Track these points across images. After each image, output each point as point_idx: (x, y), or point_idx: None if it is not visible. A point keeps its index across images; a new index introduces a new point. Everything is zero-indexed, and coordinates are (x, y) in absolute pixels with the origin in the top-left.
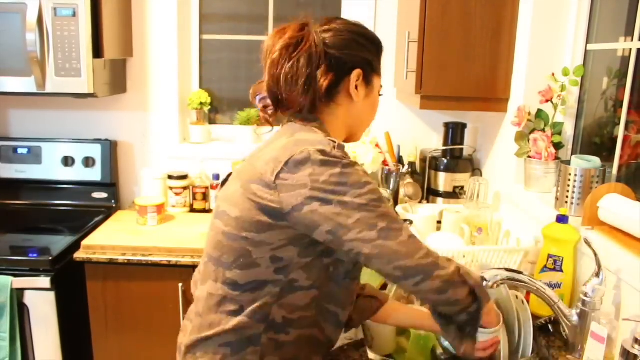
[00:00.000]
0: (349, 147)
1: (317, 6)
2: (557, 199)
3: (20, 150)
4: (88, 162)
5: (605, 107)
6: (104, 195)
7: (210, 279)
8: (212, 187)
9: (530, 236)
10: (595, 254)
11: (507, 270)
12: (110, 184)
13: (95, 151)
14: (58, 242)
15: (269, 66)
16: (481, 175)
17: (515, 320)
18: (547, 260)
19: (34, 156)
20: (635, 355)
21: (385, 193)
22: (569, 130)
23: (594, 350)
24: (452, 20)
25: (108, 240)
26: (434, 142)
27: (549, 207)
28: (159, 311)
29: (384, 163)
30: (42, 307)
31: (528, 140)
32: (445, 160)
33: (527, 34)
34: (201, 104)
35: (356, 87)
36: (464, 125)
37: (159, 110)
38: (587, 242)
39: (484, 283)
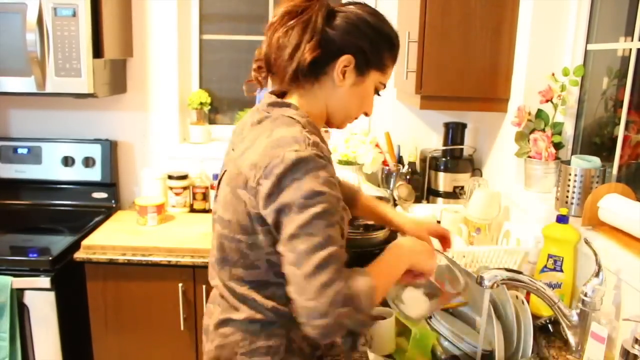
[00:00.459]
0: (349, 148)
1: None
2: (557, 199)
3: (20, 150)
4: (88, 162)
5: (605, 107)
6: (104, 195)
7: (221, 273)
8: (212, 187)
9: (530, 236)
10: (595, 254)
11: (507, 270)
12: (110, 184)
13: (95, 151)
14: (58, 242)
15: (267, 28)
16: (481, 175)
17: (515, 320)
18: (547, 260)
19: (34, 156)
20: (636, 355)
21: (385, 193)
22: (569, 130)
23: (594, 350)
24: (452, 20)
25: (108, 240)
26: (434, 142)
27: (549, 207)
28: (159, 311)
29: (384, 163)
30: (42, 307)
31: (528, 140)
32: (445, 160)
33: (527, 34)
34: (201, 104)
35: (344, 73)
36: (464, 125)
37: (159, 110)
38: (587, 242)
39: (483, 284)
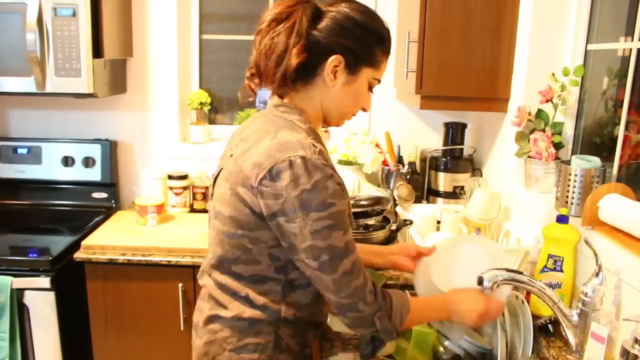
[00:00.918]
0: (349, 148)
1: None
2: (557, 199)
3: (20, 150)
4: (88, 162)
5: (605, 107)
6: (104, 195)
7: (217, 270)
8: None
9: (530, 236)
10: (595, 254)
11: (507, 270)
12: (110, 184)
13: (95, 151)
14: (58, 242)
15: (255, 36)
16: (481, 175)
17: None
18: (547, 260)
19: (34, 156)
20: (636, 356)
21: (385, 193)
22: (569, 130)
23: (594, 350)
24: (452, 20)
25: (108, 240)
26: (434, 142)
27: (549, 207)
28: (159, 311)
29: (384, 163)
30: (42, 307)
31: (528, 140)
32: (445, 160)
33: (527, 34)
34: (201, 104)
35: (335, 73)
36: (464, 125)
37: (159, 110)
38: (587, 242)
39: (483, 284)
